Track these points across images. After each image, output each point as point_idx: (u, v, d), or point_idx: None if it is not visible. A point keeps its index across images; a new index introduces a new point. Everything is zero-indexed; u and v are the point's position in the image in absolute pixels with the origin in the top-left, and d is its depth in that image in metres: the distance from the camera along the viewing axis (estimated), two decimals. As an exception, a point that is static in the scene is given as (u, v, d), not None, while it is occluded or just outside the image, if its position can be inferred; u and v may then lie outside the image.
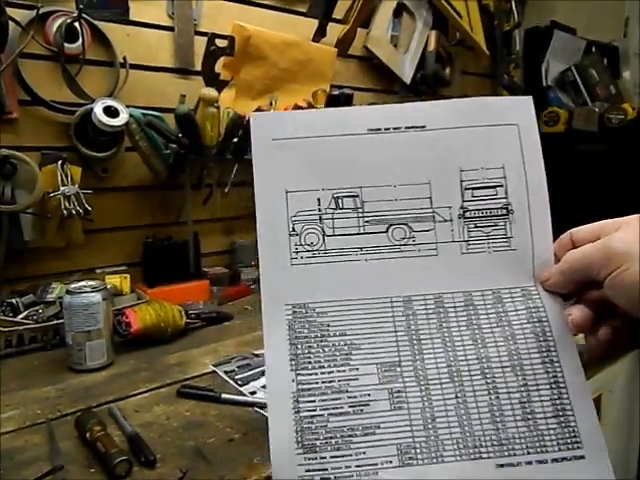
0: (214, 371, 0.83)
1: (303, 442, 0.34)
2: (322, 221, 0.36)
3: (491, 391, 0.34)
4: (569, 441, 0.33)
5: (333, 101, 1.23)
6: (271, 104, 1.27)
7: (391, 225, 0.37)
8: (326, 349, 0.35)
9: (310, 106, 1.21)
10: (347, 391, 0.34)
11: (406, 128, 0.37)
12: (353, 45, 1.45)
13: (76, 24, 1.01)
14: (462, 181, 0.37)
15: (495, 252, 0.37)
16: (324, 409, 0.34)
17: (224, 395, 0.73)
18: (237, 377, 0.81)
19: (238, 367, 0.84)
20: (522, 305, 0.36)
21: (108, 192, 1.14)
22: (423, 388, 0.34)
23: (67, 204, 0.99)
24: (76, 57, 1.03)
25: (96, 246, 1.13)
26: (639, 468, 1.29)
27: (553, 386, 0.34)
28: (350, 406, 0.34)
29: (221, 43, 1.19)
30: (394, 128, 0.37)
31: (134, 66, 1.11)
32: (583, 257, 0.33)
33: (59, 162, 0.99)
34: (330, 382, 0.35)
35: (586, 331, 0.34)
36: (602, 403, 1.09)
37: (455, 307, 0.36)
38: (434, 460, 0.33)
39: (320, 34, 1.37)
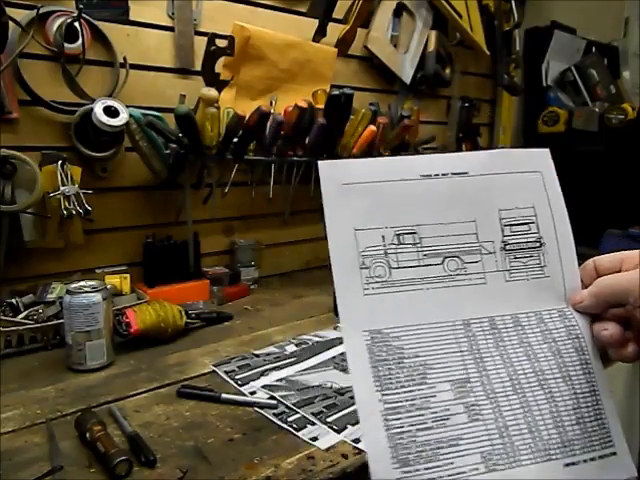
0: (214, 371, 0.83)
1: (398, 457, 0.36)
2: (387, 255, 0.41)
3: (549, 400, 0.39)
4: (605, 440, 0.40)
5: (333, 101, 1.23)
6: (271, 104, 1.28)
7: (445, 258, 0.42)
8: (404, 370, 0.39)
9: (311, 106, 1.21)
10: (428, 407, 0.38)
11: (452, 174, 0.44)
12: (353, 45, 1.45)
13: (76, 24, 1.01)
14: (501, 219, 0.43)
15: (533, 279, 0.43)
16: (411, 425, 0.37)
17: (224, 395, 0.74)
18: (237, 377, 0.81)
19: (238, 367, 0.84)
20: (561, 324, 0.42)
21: (108, 192, 1.14)
22: (492, 401, 0.39)
23: (67, 204, 0.99)
24: (76, 57, 1.03)
25: (96, 246, 1.13)
26: (639, 468, 1.29)
27: (592, 394, 0.40)
28: (433, 421, 0.38)
29: (221, 43, 1.19)
30: (442, 174, 0.43)
31: (134, 66, 1.11)
32: (617, 284, 0.40)
33: (59, 162, 0.99)
34: (412, 400, 0.38)
35: (618, 344, 0.40)
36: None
37: (506, 328, 0.41)
38: (514, 464, 0.37)
39: (320, 34, 1.37)
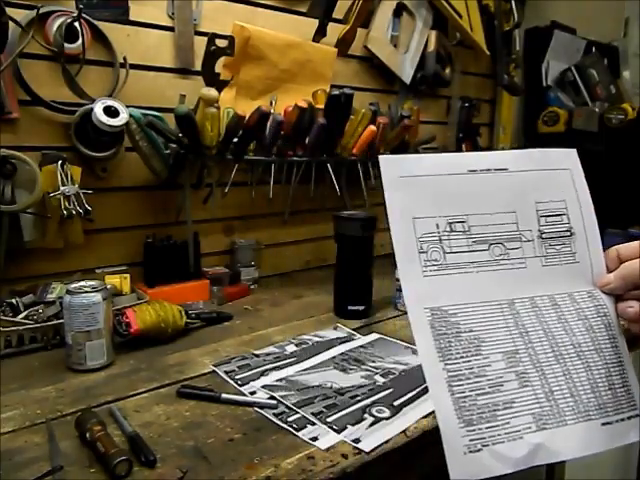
0: (214, 371, 0.83)
1: (463, 418, 0.42)
2: (441, 241, 0.47)
3: (586, 369, 0.46)
4: (631, 404, 0.45)
5: (333, 101, 1.23)
6: (271, 104, 1.28)
7: (491, 244, 0.48)
8: (461, 342, 0.44)
9: (311, 106, 1.21)
10: (485, 375, 0.43)
11: (495, 170, 0.49)
12: (353, 45, 1.45)
13: (76, 24, 1.01)
14: (537, 210, 0.49)
15: (565, 265, 0.49)
16: (471, 390, 0.43)
17: (224, 395, 0.74)
18: (237, 377, 0.81)
19: (238, 367, 0.84)
20: (591, 304, 0.48)
21: (108, 192, 1.14)
22: (538, 369, 0.45)
23: (67, 204, 0.99)
24: (76, 57, 1.03)
25: (96, 246, 1.13)
26: (639, 468, 1.29)
27: (619, 364, 0.46)
28: (489, 387, 0.43)
29: (221, 43, 1.19)
30: (486, 170, 0.49)
31: (134, 66, 1.11)
32: None
33: (59, 162, 0.99)
34: (471, 369, 0.43)
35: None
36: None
37: (545, 307, 0.47)
38: (560, 424, 0.43)
39: (320, 34, 1.37)
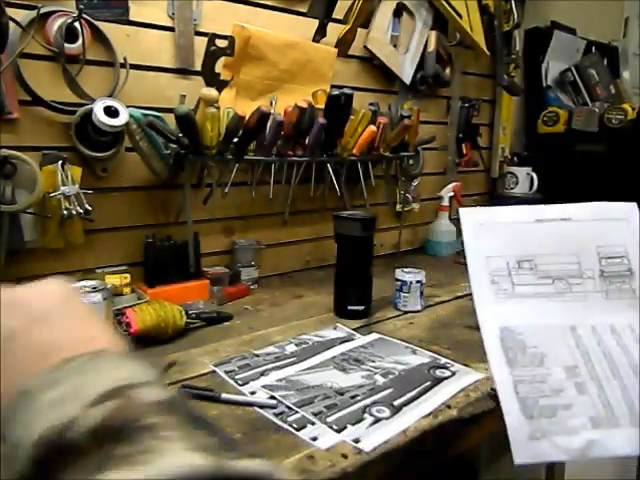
0: (214, 371, 0.83)
1: (526, 413, 0.49)
2: (511, 275, 0.56)
3: None
4: None
5: (333, 101, 1.23)
6: (271, 104, 1.28)
7: (555, 279, 0.56)
8: (526, 356, 0.52)
9: (311, 106, 1.21)
10: (546, 382, 0.51)
11: (560, 219, 0.59)
12: (353, 45, 1.45)
13: (76, 24, 1.01)
14: (598, 253, 0.57)
15: (625, 299, 0.56)
16: (534, 393, 0.50)
17: (224, 395, 0.74)
18: (237, 377, 0.81)
19: (238, 367, 0.84)
20: None
21: (108, 192, 1.14)
22: (596, 383, 0.51)
23: (67, 204, 0.99)
24: (76, 57, 1.03)
25: (96, 246, 1.13)
26: (639, 468, 1.29)
27: None
28: (550, 391, 0.50)
29: (221, 43, 1.19)
30: (551, 220, 0.59)
31: (134, 66, 1.11)
32: None
33: (59, 162, 1.00)
34: (534, 376, 0.51)
35: None
36: (602, 403, 1.09)
37: (605, 333, 0.54)
38: (613, 426, 0.49)
39: (320, 34, 1.37)
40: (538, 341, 0.53)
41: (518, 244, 0.57)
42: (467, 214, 0.59)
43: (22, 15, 0.97)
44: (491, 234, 0.58)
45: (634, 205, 0.59)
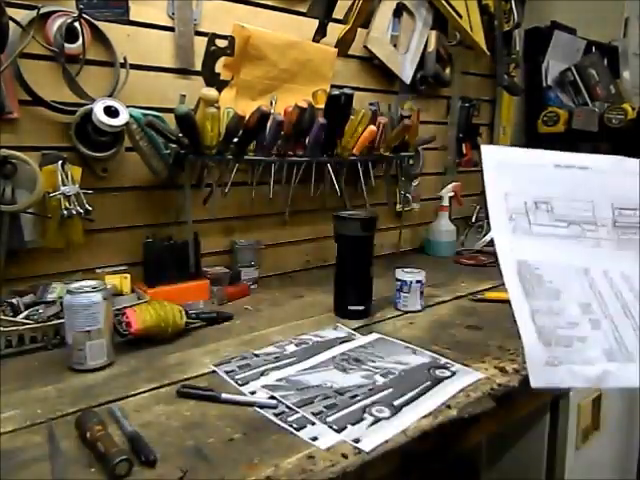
0: (214, 371, 0.83)
1: (543, 340, 0.51)
2: (528, 215, 0.57)
3: None
4: None
5: (333, 101, 1.23)
6: (271, 104, 1.28)
7: (570, 223, 0.58)
8: (543, 289, 0.54)
9: (311, 106, 1.21)
10: (562, 315, 0.53)
11: (578, 167, 0.60)
12: (353, 45, 1.45)
13: (76, 24, 1.01)
14: (612, 204, 0.59)
15: (635, 250, 0.58)
16: (550, 323, 0.52)
17: (224, 395, 0.74)
18: (237, 377, 0.81)
19: (238, 367, 0.84)
20: None
21: (108, 192, 1.14)
22: (609, 320, 0.53)
23: (67, 204, 0.99)
24: (76, 57, 1.03)
25: (96, 246, 1.13)
26: (639, 468, 1.29)
27: None
28: (566, 323, 0.52)
29: (221, 43, 1.19)
30: (569, 166, 0.60)
31: (134, 66, 1.11)
32: None
33: (59, 162, 1.00)
34: (550, 308, 0.53)
35: None
36: (602, 403, 1.09)
37: (616, 278, 0.56)
38: (628, 360, 0.51)
39: (320, 34, 1.37)
40: (554, 277, 0.55)
41: (536, 186, 0.59)
42: (489, 151, 0.60)
43: (22, 15, 0.97)
44: (510, 172, 0.59)
45: None
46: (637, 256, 0.58)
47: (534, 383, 0.49)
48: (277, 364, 0.86)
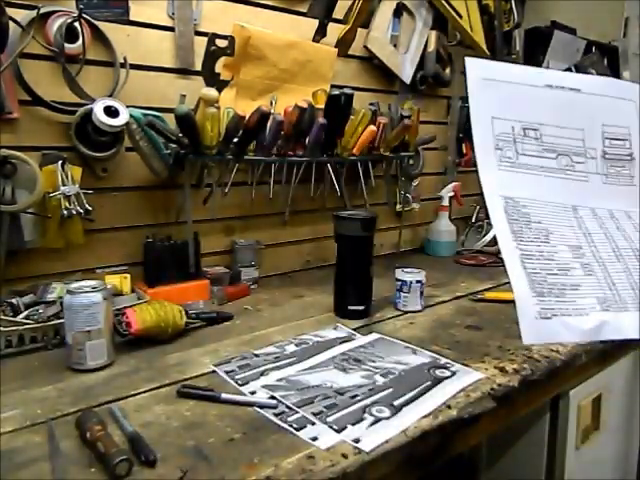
0: (214, 371, 0.83)
1: (535, 289, 0.48)
2: (515, 143, 0.53)
3: None
4: None
5: (333, 101, 1.23)
6: (271, 104, 1.28)
7: (559, 154, 0.54)
8: (531, 230, 0.51)
9: (311, 106, 1.21)
10: (553, 259, 0.50)
11: (569, 89, 0.55)
12: (353, 45, 1.45)
13: (76, 24, 1.01)
14: (603, 132, 0.55)
15: (623, 185, 0.55)
16: (541, 269, 0.49)
17: (224, 395, 0.74)
18: (237, 377, 0.81)
19: (238, 367, 0.84)
20: None
21: (108, 192, 1.14)
22: (601, 264, 0.51)
23: (67, 204, 0.99)
24: (76, 57, 1.03)
25: (96, 246, 1.13)
26: (639, 468, 1.29)
27: None
28: (557, 269, 0.50)
29: (221, 43, 1.19)
30: (561, 87, 0.55)
31: (134, 66, 1.11)
32: None
33: (59, 162, 1.00)
34: (541, 252, 0.50)
35: None
36: (602, 403, 1.09)
37: (605, 217, 0.54)
38: (622, 309, 0.49)
39: (320, 34, 1.37)
40: (542, 217, 0.52)
41: (524, 109, 0.55)
42: (473, 66, 0.56)
43: (22, 15, 0.97)
44: (498, 92, 0.54)
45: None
46: (624, 192, 0.55)
47: (526, 339, 0.47)
48: (277, 364, 0.86)
